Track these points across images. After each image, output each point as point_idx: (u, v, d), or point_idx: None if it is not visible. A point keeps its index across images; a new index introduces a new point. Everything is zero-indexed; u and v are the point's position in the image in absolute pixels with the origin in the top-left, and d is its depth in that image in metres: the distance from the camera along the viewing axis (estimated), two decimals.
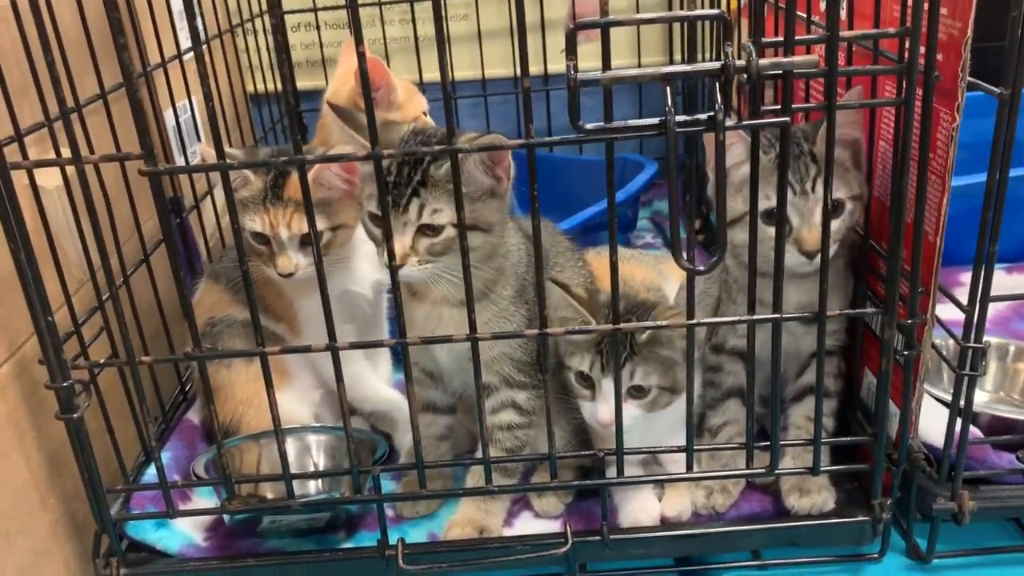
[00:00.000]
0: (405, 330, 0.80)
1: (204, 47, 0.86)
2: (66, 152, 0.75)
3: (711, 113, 0.68)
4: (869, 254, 0.91)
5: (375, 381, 1.12)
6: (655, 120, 0.70)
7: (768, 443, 0.86)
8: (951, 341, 0.85)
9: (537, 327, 0.79)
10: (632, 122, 0.71)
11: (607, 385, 0.87)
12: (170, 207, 1.24)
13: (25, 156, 0.78)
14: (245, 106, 1.72)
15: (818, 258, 0.84)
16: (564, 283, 0.89)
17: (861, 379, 0.98)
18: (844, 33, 0.72)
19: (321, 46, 1.75)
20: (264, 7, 1.66)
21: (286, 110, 1.33)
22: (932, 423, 0.90)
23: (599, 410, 0.88)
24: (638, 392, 0.89)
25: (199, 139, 1.36)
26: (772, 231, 0.79)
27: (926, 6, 0.70)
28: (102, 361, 0.84)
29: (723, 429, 0.99)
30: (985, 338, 0.85)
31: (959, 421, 0.84)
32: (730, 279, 0.97)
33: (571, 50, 0.68)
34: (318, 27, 1.73)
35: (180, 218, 1.22)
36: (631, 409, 0.88)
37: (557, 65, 1.78)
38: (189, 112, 1.34)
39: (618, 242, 0.78)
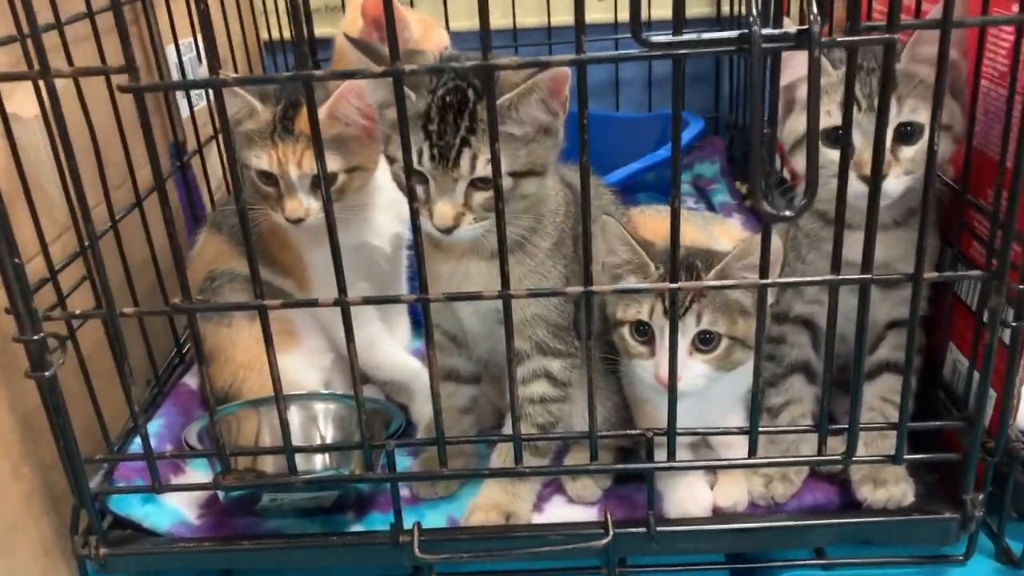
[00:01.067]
0: (427, 284, 0.69)
1: None
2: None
3: (804, 28, 0.57)
4: (965, 210, 0.79)
5: (391, 346, 1.01)
6: (735, 33, 0.58)
7: (841, 427, 0.74)
8: None
9: (577, 284, 0.68)
10: (706, 35, 0.59)
11: (670, 339, 0.75)
12: (172, 151, 1.13)
13: None
14: (259, 55, 1.61)
15: (891, 192, 0.73)
16: (618, 219, 0.77)
17: (945, 355, 0.86)
18: None
19: None
20: None
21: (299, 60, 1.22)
22: None
23: (661, 365, 0.75)
24: (705, 342, 0.76)
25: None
26: (830, 153, 0.68)
27: None
28: (79, 312, 0.73)
29: (785, 409, 0.88)
30: None
31: None
32: (800, 233, 0.85)
33: None
34: None
35: (181, 162, 1.11)
36: (696, 365, 0.76)
37: (593, 13, 1.65)
38: (194, 51, 1.23)
39: (659, 204, 0.67)
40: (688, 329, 0.76)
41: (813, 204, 0.61)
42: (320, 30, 1.66)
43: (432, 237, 0.74)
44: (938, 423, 0.78)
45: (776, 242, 0.67)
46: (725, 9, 1.66)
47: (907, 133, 0.74)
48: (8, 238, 0.68)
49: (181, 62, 1.17)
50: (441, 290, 0.80)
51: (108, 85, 0.89)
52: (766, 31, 0.57)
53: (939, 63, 0.60)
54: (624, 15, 1.65)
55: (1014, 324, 0.70)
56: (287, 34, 1.59)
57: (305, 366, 0.94)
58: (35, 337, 0.71)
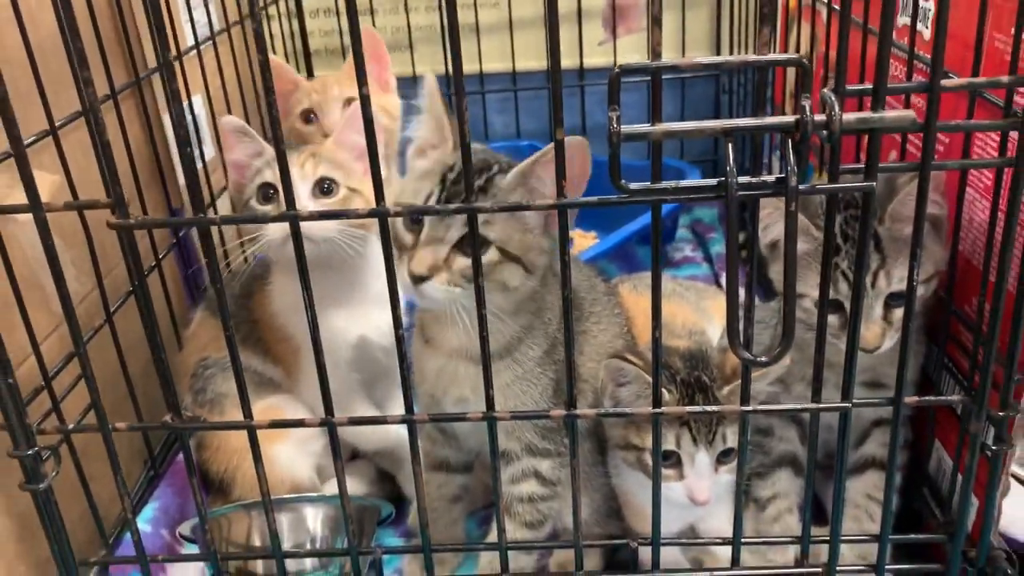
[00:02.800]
0: (412, 406, 0.70)
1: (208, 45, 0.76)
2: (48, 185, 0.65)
3: (781, 176, 0.57)
4: (950, 319, 0.79)
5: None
6: (713, 181, 0.58)
7: (823, 539, 0.75)
8: None
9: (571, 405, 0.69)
10: (684, 183, 0.59)
11: (701, 459, 0.76)
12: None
13: None
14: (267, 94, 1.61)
15: (884, 350, 0.74)
16: (630, 357, 0.77)
17: (930, 451, 0.87)
18: (947, 82, 0.59)
19: (340, 33, 1.63)
20: None
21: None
22: (1014, 511, 0.78)
23: (695, 489, 0.77)
24: (727, 456, 0.78)
25: (198, 136, 1.26)
26: (829, 319, 0.69)
27: None
28: (71, 426, 0.75)
29: (772, 502, 0.89)
30: None
31: None
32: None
33: (614, 99, 0.56)
34: (337, 13, 1.61)
35: (178, 238, 1.12)
36: (722, 477, 0.78)
37: (593, 59, 1.65)
38: (201, 108, 1.24)
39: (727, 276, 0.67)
40: (715, 450, 0.77)
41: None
42: (319, 71, 1.68)
43: (407, 289, 0.73)
44: (920, 536, 0.79)
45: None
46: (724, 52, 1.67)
47: (896, 300, 0.75)
48: (2, 360, 0.69)
49: (195, 118, 1.18)
50: (429, 386, 0.82)
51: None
52: (742, 179, 0.58)
53: (917, 210, 0.61)
54: (622, 58, 1.65)
55: (994, 448, 0.70)
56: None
57: (296, 454, 0.94)
58: (29, 452, 0.72)
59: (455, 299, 0.72)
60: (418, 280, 0.71)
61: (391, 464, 1.04)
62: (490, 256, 0.71)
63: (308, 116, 1.17)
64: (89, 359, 0.71)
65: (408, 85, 1.36)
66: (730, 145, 0.58)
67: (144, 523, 0.91)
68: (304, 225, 0.64)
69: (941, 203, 0.74)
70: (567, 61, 1.66)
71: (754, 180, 0.58)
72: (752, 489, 0.90)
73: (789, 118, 0.56)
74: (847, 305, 0.75)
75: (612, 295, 0.94)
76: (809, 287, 0.77)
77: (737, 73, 1.55)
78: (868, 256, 0.65)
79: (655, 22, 0.57)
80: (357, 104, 0.77)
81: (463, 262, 0.71)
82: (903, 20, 0.88)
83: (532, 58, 1.66)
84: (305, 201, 0.87)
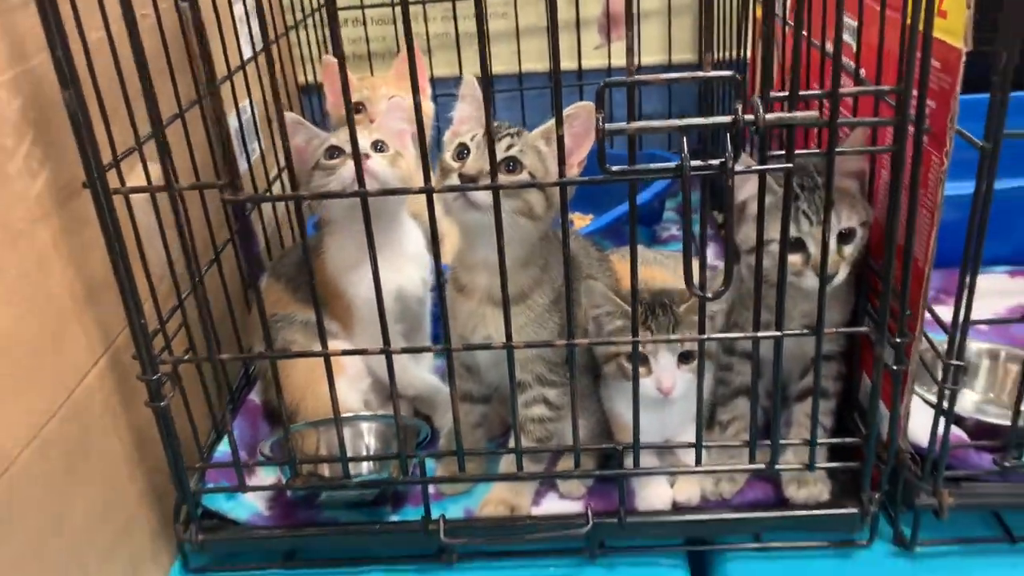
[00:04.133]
0: (451, 331, 0.92)
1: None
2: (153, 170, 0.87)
3: (723, 160, 0.79)
4: (869, 273, 1.00)
5: (418, 369, 1.23)
6: (672, 164, 0.80)
7: (766, 442, 0.97)
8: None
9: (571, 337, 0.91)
10: (653, 165, 0.81)
11: (664, 356, 0.98)
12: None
13: (122, 181, 0.90)
14: (297, 97, 1.83)
15: (835, 278, 0.94)
16: (598, 281, 1.01)
17: (860, 382, 1.08)
18: (844, 90, 0.81)
19: (367, 40, 1.84)
20: (317, 5, 1.76)
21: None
22: (920, 424, 0.99)
23: (661, 378, 0.98)
24: (687, 358, 0.99)
25: (258, 138, 1.47)
26: (791, 257, 0.90)
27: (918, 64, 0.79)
28: (185, 357, 0.96)
29: (731, 424, 1.10)
30: (975, 345, 1.01)
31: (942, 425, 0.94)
32: (744, 290, 1.07)
33: (600, 104, 0.78)
34: (365, 23, 1.82)
35: (238, 219, 1.33)
36: (684, 375, 0.99)
37: (590, 61, 1.86)
38: (249, 112, 1.45)
39: (644, 236, 0.88)
40: (675, 350, 0.98)
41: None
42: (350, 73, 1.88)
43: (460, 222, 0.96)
44: (842, 439, 1.01)
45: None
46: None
47: (846, 236, 0.95)
48: (138, 306, 0.90)
49: (240, 124, 1.39)
50: (460, 329, 1.03)
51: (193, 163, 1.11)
52: (695, 163, 0.79)
53: (826, 183, 0.82)
54: (616, 60, 1.86)
55: (895, 367, 0.92)
56: (320, 78, 1.82)
57: (348, 389, 1.16)
58: (153, 377, 0.94)
59: (490, 203, 0.86)
60: (469, 180, 0.89)
61: (426, 406, 1.25)
62: (523, 175, 0.93)
63: (357, 107, 1.40)
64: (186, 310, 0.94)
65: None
66: (685, 139, 0.79)
67: (226, 445, 1.13)
68: (371, 163, 0.84)
69: (864, 166, 0.95)
70: (567, 63, 1.87)
71: (702, 163, 0.80)
72: (716, 415, 1.11)
73: (727, 118, 0.77)
74: (807, 241, 0.95)
75: (604, 261, 1.16)
76: (775, 232, 0.97)
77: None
78: (790, 214, 0.85)
79: (628, 51, 0.78)
80: (397, 98, 0.98)
81: (504, 178, 0.92)
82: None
83: (536, 61, 1.87)
84: (367, 150, 1.08)
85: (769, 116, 0.76)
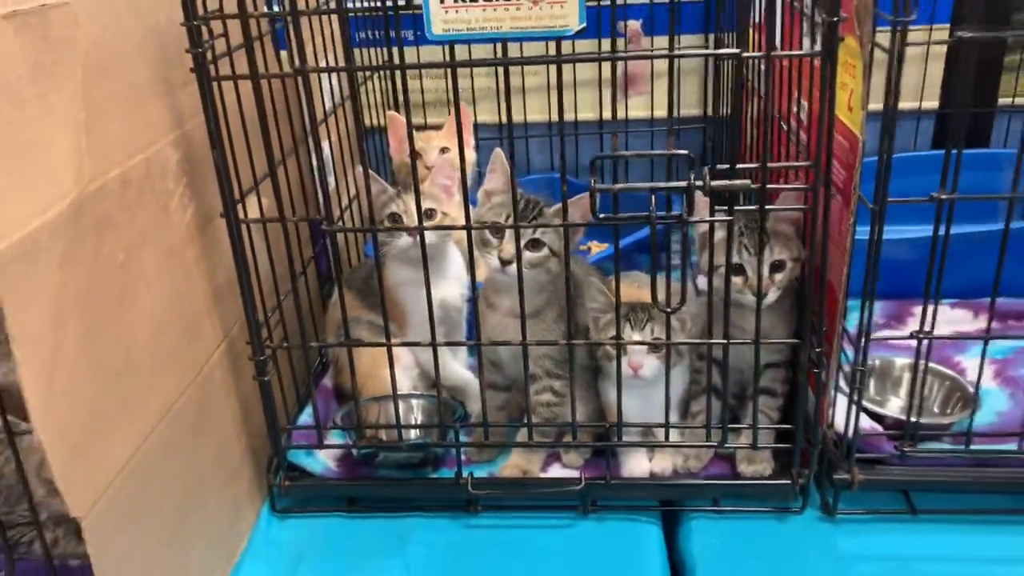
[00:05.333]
0: (481, 335, 1.24)
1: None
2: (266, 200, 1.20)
3: (680, 213, 1.09)
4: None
5: (455, 365, 1.55)
6: (644, 214, 1.10)
7: (717, 426, 1.27)
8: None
9: (571, 339, 1.22)
10: (630, 214, 1.12)
11: (634, 346, 1.27)
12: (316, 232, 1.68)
13: (246, 213, 1.22)
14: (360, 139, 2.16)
15: (766, 297, 1.24)
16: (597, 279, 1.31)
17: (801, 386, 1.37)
18: (772, 164, 1.11)
19: (422, 92, 2.18)
20: (382, 62, 2.10)
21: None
22: (840, 417, 1.29)
23: (633, 361, 1.25)
24: (655, 348, 1.26)
25: (335, 173, 1.81)
26: (735, 279, 1.21)
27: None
28: (284, 344, 1.29)
29: (700, 414, 1.39)
30: (900, 361, 1.32)
31: (854, 418, 1.23)
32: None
33: (594, 171, 1.09)
34: (420, 77, 2.16)
35: (323, 239, 1.66)
36: (652, 360, 1.26)
37: (609, 113, 2.17)
38: (328, 152, 1.79)
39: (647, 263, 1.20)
40: (645, 337, 1.28)
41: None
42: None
43: (491, 276, 1.28)
44: (779, 426, 1.30)
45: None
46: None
47: (777, 266, 1.25)
48: (252, 306, 1.23)
49: (321, 162, 1.72)
50: (488, 335, 1.34)
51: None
52: (660, 214, 1.10)
53: (760, 229, 1.12)
54: (632, 113, 2.17)
55: (816, 371, 1.21)
56: (382, 122, 2.15)
57: (401, 376, 1.45)
58: (261, 358, 1.27)
59: (521, 275, 1.20)
60: (505, 263, 1.23)
61: (461, 395, 1.56)
62: (544, 252, 1.24)
63: (417, 155, 1.71)
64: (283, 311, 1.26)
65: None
66: (653, 197, 1.10)
67: (307, 415, 1.45)
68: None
69: (798, 216, 1.24)
70: (591, 114, 2.19)
71: (665, 214, 1.10)
72: (690, 407, 1.41)
73: (683, 183, 1.07)
74: (747, 267, 1.23)
75: (601, 281, 1.46)
76: (724, 260, 1.27)
77: (716, 127, 2.06)
78: (732, 254, 1.15)
79: (614, 135, 1.10)
80: (446, 155, 1.30)
81: (529, 255, 1.24)
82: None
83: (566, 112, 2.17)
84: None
85: (714, 183, 1.07)
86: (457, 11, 1.00)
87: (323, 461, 1.39)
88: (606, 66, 2.11)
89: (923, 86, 2.10)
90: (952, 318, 1.70)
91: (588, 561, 1.25)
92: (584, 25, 1.01)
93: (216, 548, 1.25)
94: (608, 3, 1.60)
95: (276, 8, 1.54)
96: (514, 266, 1.19)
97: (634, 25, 2.14)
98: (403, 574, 1.24)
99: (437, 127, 1.87)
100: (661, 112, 2.15)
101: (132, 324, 1.04)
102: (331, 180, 1.83)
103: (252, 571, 1.27)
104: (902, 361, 1.47)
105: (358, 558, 1.28)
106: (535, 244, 1.25)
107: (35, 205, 0.87)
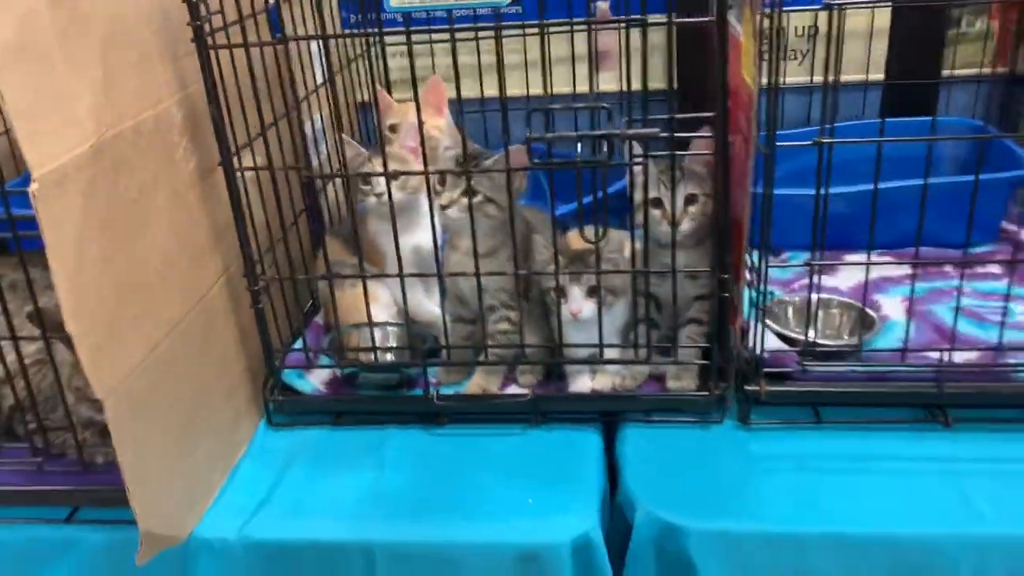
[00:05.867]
0: (444, 271, 1.45)
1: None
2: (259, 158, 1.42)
3: (602, 156, 1.29)
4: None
5: (428, 304, 1.75)
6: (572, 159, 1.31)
7: (643, 344, 1.47)
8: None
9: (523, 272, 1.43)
10: (561, 160, 1.32)
11: (574, 291, 1.46)
12: (307, 188, 1.90)
13: (240, 163, 1.44)
14: (356, 111, 2.38)
15: (681, 229, 1.44)
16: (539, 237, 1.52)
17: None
18: (678, 116, 1.31)
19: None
20: (372, 43, 2.31)
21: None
22: (753, 340, 1.49)
23: (571, 307, 1.46)
24: (592, 292, 1.47)
25: (327, 142, 2.02)
26: (654, 212, 1.41)
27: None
28: (277, 276, 1.51)
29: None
30: (816, 297, 1.50)
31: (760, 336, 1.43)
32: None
33: (528, 123, 1.29)
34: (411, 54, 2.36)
35: (310, 196, 1.88)
36: (590, 304, 1.47)
37: (581, 87, 2.37)
38: (320, 123, 2.00)
39: (615, 222, 1.41)
40: (584, 285, 1.48)
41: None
42: (397, 93, 2.42)
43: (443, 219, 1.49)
44: (695, 346, 1.50)
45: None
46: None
47: (691, 199, 1.46)
48: (247, 243, 1.45)
49: (314, 132, 1.94)
50: (452, 270, 1.55)
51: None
52: (588, 158, 1.30)
53: (672, 170, 1.33)
54: (603, 87, 2.37)
55: (725, 295, 1.41)
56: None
57: (379, 312, 1.67)
58: (256, 287, 1.49)
59: (464, 218, 1.44)
60: (444, 207, 1.45)
61: (434, 329, 1.77)
62: (479, 198, 1.45)
63: (393, 127, 1.92)
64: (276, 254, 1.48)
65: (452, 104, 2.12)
66: (580, 143, 1.30)
67: (298, 345, 1.67)
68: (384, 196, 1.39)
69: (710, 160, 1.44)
70: (565, 88, 2.38)
71: (591, 158, 1.30)
72: (629, 334, 1.61)
73: (604, 132, 1.27)
74: (664, 200, 1.43)
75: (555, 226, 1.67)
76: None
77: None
78: (648, 189, 1.36)
79: (545, 85, 1.30)
80: (412, 120, 1.52)
81: (465, 201, 1.45)
82: None
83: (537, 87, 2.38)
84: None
85: (628, 131, 1.27)
86: None
87: (311, 382, 1.61)
88: (579, 44, 2.32)
89: (868, 60, 2.28)
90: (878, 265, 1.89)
91: (536, 461, 1.46)
92: None
93: (220, 449, 1.47)
94: None
95: None
96: (454, 209, 1.41)
97: (603, 6, 2.34)
98: (377, 471, 1.45)
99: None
100: (634, 87, 2.34)
101: (144, 251, 1.26)
102: (323, 148, 2.05)
103: (250, 469, 1.49)
104: (817, 297, 1.66)
105: (340, 459, 1.49)
106: (472, 192, 1.45)
107: (64, 145, 1.09)
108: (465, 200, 1.45)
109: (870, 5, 2.15)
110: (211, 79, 1.34)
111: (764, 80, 1.32)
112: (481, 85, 2.31)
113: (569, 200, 2.17)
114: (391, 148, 1.64)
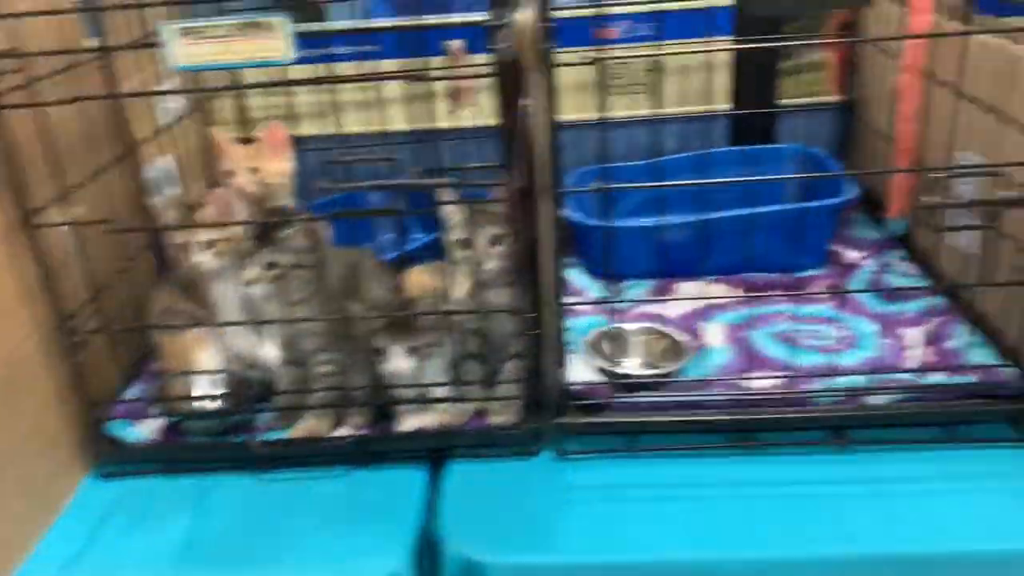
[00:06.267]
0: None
1: None
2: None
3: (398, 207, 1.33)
4: None
5: (262, 348, 1.76)
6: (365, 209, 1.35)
7: (470, 382, 1.51)
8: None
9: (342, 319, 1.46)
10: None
11: (394, 350, 1.51)
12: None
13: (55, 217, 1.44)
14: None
15: (487, 267, 1.49)
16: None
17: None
18: (472, 166, 1.36)
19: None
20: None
21: None
22: (577, 375, 1.54)
23: (392, 364, 1.52)
24: (413, 351, 1.53)
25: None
26: (465, 252, 1.46)
27: None
28: (98, 329, 1.52)
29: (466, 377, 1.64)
30: (635, 326, 1.56)
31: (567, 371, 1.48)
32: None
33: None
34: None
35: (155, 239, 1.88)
36: (412, 361, 1.52)
37: (442, 123, 2.42)
38: (171, 165, 2.00)
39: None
40: (405, 344, 1.51)
41: None
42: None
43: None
44: (510, 380, 1.55)
45: None
46: None
47: (496, 240, 1.50)
48: (60, 302, 1.45)
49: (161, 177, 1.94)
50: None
51: None
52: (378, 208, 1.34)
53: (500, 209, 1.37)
54: (464, 121, 2.42)
55: (536, 332, 1.46)
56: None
57: (208, 361, 1.69)
58: (71, 342, 1.49)
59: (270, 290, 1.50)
60: (248, 284, 1.50)
61: (270, 373, 1.78)
62: (280, 270, 1.49)
63: (229, 174, 1.91)
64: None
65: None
66: (372, 194, 1.34)
67: (130, 393, 1.67)
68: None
69: None
70: (428, 124, 2.42)
71: (383, 208, 1.34)
72: (459, 370, 1.65)
73: (396, 182, 1.31)
74: (472, 241, 1.48)
75: (384, 269, 1.70)
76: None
77: None
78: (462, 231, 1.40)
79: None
80: (218, 192, 1.53)
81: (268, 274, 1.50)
82: None
83: (399, 123, 2.42)
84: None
85: (414, 181, 1.32)
86: (192, 47, 1.24)
87: (142, 431, 1.61)
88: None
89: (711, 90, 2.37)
90: (710, 291, 1.96)
91: (357, 503, 1.48)
92: (295, 55, 1.24)
93: (33, 505, 1.46)
94: None
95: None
96: (257, 287, 1.50)
97: (457, 44, 2.39)
98: (201, 519, 1.46)
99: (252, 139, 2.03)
100: (480, 121, 2.39)
101: None
102: (176, 189, 2.05)
103: (67, 525, 1.48)
104: (637, 326, 1.73)
105: (165, 509, 1.50)
106: (271, 265, 1.49)
107: None
108: (269, 274, 1.49)
109: (635, 57, 2.32)
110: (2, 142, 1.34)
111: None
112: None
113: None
114: (200, 213, 1.61)
